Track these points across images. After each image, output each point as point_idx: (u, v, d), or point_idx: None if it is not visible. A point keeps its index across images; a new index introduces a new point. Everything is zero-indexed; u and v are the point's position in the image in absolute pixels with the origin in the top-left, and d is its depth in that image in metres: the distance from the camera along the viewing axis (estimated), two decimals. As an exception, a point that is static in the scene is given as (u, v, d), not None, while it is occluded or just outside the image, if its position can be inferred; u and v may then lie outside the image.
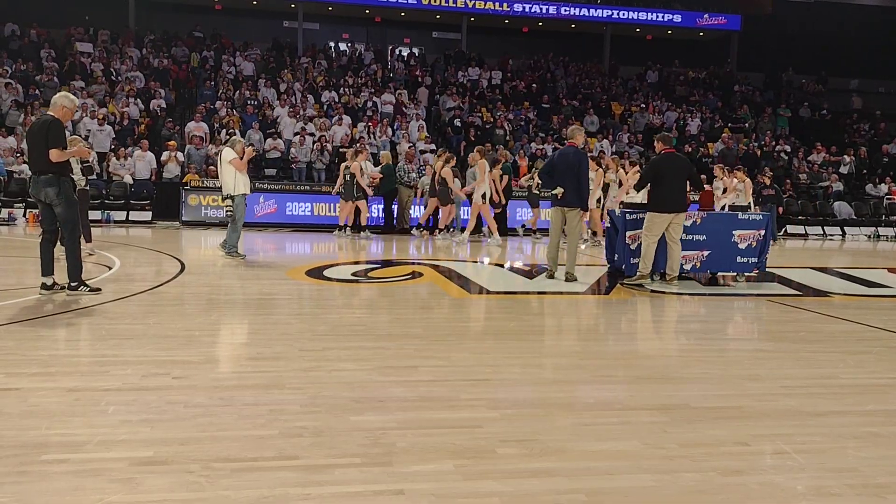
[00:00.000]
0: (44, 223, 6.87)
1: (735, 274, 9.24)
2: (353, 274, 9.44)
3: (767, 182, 16.75)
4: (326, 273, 9.29)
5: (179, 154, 17.56)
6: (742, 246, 9.08)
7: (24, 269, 8.82)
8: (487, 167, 13.24)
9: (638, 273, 8.55)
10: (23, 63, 20.72)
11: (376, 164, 15.74)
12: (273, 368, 4.58)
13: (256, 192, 15.17)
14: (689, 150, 21.18)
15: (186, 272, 8.89)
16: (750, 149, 21.87)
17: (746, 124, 23.84)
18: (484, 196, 13.23)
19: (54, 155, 6.49)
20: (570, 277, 8.64)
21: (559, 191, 8.59)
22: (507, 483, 2.96)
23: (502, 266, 10.89)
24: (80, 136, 15.09)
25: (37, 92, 19.30)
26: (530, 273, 9.85)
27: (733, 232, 9.05)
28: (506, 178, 14.96)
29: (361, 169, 13.88)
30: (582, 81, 25.71)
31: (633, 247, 8.86)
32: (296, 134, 18.86)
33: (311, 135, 18.90)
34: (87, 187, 10.10)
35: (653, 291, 8.29)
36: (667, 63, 27.51)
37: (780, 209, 16.61)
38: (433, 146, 19.34)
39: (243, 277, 8.78)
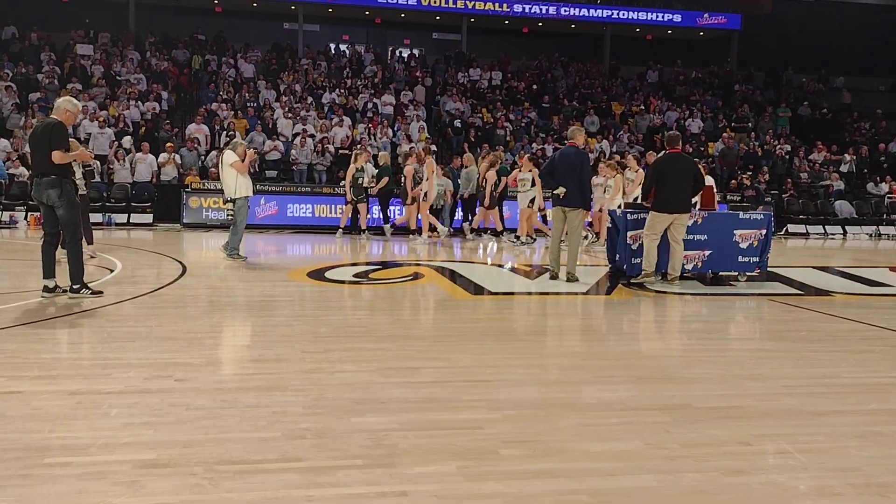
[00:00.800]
0: (45, 225, 6.88)
1: (736, 273, 9.23)
2: (355, 275, 9.44)
3: (748, 182, 16.75)
4: (328, 275, 9.30)
5: (178, 156, 17.55)
6: (743, 245, 9.08)
7: (25, 271, 8.83)
8: (435, 166, 13.44)
9: (642, 272, 8.54)
10: (23, 66, 20.73)
11: (375, 165, 15.71)
12: (275, 370, 4.59)
13: (257, 193, 15.14)
14: (690, 149, 21.17)
15: (188, 274, 8.90)
16: (751, 148, 21.87)
17: (749, 124, 23.82)
18: (426, 196, 13.42)
19: (57, 157, 6.52)
20: (571, 278, 8.64)
21: (561, 190, 8.59)
22: (509, 484, 2.96)
23: (503, 267, 10.89)
24: (78, 139, 15.12)
25: (43, 95, 19.26)
26: (531, 274, 9.85)
27: (734, 231, 9.05)
28: (503, 179, 14.93)
29: (414, 173, 14.01)
30: (582, 82, 25.71)
31: (634, 247, 8.86)
32: (296, 135, 18.86)
33: (312, 136, 18.91)
34: (87, 192, 10.11)
35: (655, 291, 8.29)
36: (667, 63, 27.50)
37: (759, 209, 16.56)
38: (434, 147, 19.33)
39: (245, 279, 8.78)
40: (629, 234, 8.84)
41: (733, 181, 20.10)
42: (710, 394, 4.34)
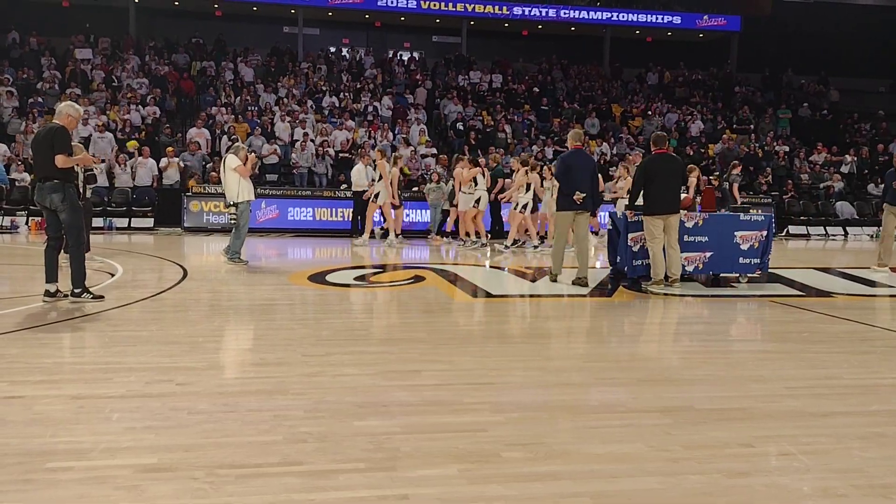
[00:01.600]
0: (48, 230, 6.89)
1: (737, 275, 9.22)
2: (356, 279, 9.44)
3: (716, 184, 16.75)
4: (329, 278, 9.30)
5: (180, 160, 17.54)
6: (744, 247, 9.07)
7: (27, 276, 8.83)
8: (388, 168, 13.37)
9: (652, 280, 8.47)
10: (24, 71, 20.76)
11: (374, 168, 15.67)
12: (276, 374, 4.59)
13: (258, 197, 15.12)
14: (691, 152, 21.15)
15: (189, 278, 8.90)
16: (752, 149, 21.86)
17: (751, 126, 23.81)
18: (377, 197, 13.33)
19: (60, 161, 6.53)
20: (582, 282, 8.52)
21: (580, 196, 8.42)
22: (511, 487, 2.96)
23: (504, 269, 10.88)
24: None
25: (38, 100, 19.32)
26: (532, 276, 9.85)
27: (735, 233, 9.04)
28: (501, 181, 14.90)
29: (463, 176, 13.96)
30: (582, 84, 25.70)
31: (635, 249, 8.85)
32: (295, 140, 18.86)
33: (313, 140, 18.91)
34: (89, 196, 10.11)
35: (656, 293, 8.27)
36: (667, 65, 27.50)
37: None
38: (434, 150, 19.34)
39: (246, 283, 8.78)
40: (630, 235, 8.82)
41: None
42: (712, 395, 4.34)
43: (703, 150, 21.73)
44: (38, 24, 23.15)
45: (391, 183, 13.46)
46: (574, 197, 8.44)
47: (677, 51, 28.48)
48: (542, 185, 13.21)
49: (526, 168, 12.93)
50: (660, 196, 8.26)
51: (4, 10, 22.91)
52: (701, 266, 8.98)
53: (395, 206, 13.95)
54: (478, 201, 13.34)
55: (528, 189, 12.84)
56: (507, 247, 12.95)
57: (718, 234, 8.98)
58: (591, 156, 8.90)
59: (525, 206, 12.88)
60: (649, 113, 23.60)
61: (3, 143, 17.43)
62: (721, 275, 9.39)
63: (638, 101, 24.65)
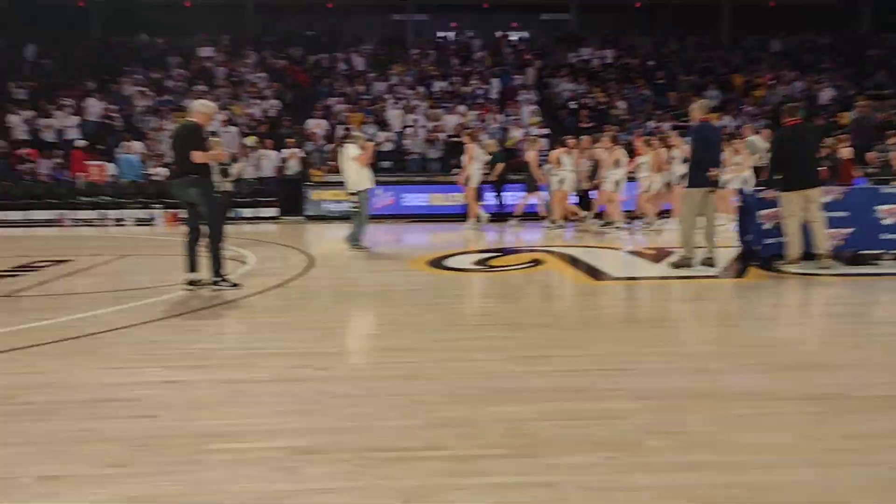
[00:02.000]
0: (188, 222, 7.31)
1: (880, 252, 8.62)
2: (474, 263, 9.50)
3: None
4: (447, 263, 9.39)
5: (301, 151, 18.16)
6: (887, 222, 8.47)
7: (168, 266, 9.38)
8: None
9: (787, 258, 8.03)
10: (154, 71, 22.06)
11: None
12: (409, 359, 4.69)
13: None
14: (822, 121, 19.88)
15: (315, 266, 9.23)
16: (890, 116, 20.31)
17: (890, 91, 22.10)
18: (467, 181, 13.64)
19: (197, 156, 6.92)
20: (710, 262, 8.17)
21: (716, 171, 8.07)
22: (659, 477, 2.90)
23: (623, 251, 10.63)
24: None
25: (168, 98, 20.48)
26: (655, 257, 9.57)
27: (877, 207, 8.45)
28: (500, 165, 14.83)
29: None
30: (700, 54, 24.63)
31: (766, 227, 8.43)
32: (406, 126, 19.11)
33: (424, 126, 19.10)
34: (230, 189, 10.68)
35: (791, 273, 7.85)
36: (792, 30, 25.89)
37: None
38: (548, 131, 19.10)
39: (368, 270, 9.02)
40: (761, 213, 8.40)
41: (869, 154, 18.71)
42: (866, 382, 4.08)
43: (833, 119, 20.38)
44: (163, 25, 24.50)
45: (531, 167, 13.73)
46: (708, 174, 8.03)
47: (804, 14, 26.76)
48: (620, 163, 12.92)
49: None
50: (797, 170, 7.79)
51: (132, 13, 24.38)
52: (841, 243, 8.45)
53: (533, 190, 14.05)
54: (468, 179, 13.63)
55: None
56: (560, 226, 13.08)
57: (859, 208, 8.41)
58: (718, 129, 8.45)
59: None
60: (774, 82, 22.33)
61: (139, 141, 18.62)
62: (862, 252, 8.79)
63: (761, 69, 23.38)
